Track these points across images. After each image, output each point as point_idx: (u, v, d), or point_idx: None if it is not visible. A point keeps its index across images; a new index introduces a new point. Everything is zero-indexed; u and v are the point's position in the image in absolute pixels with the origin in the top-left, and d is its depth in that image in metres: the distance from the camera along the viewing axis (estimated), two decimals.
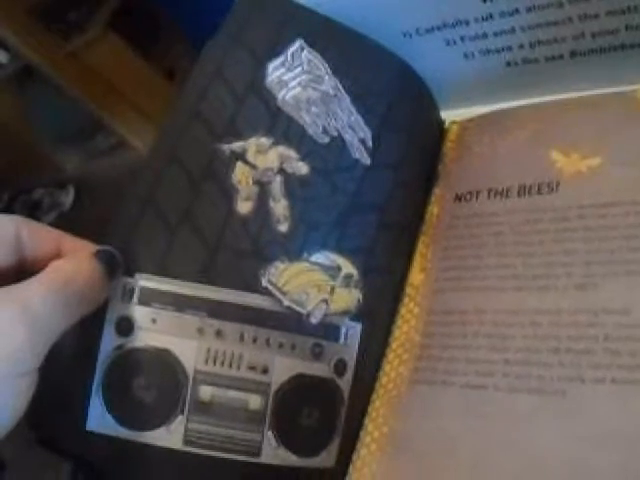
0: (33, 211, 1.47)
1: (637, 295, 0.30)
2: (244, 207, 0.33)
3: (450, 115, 0.42)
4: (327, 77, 0.36)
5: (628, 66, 0.37)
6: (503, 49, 0.39)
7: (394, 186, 0.37)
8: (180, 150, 0.33)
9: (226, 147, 0.33)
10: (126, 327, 0.31)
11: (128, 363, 0.31)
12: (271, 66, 0.35)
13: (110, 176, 1.33)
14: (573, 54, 0.38)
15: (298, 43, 0.36)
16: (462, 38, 0.40)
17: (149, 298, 0.31)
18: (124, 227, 0.32)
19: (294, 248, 0.33)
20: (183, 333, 0.31)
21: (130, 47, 1.28)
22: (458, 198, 0.38)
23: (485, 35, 0.39)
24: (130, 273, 0.31)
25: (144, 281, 0.31)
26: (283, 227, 0.33)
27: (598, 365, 0.29)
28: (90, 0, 1.23)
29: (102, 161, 1.48)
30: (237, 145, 0.34)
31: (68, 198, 1.49)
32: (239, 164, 0.33)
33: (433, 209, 0.39)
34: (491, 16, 0.38)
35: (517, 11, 0.37)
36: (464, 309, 0.34)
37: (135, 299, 0.31)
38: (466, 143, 0.40)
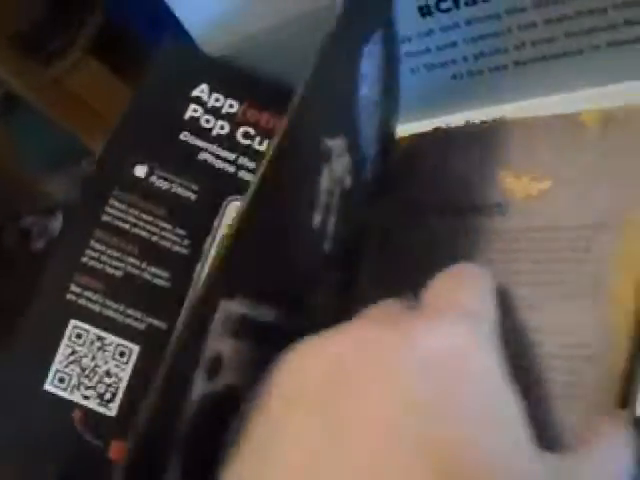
0: (23, 239, 1.47)
1: (581, 318, 0.30)
2: None
3: (399, 131, 0.41)
4: None
5: (569, 72, 0.37)
6: (447, 63, 0.39)
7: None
8: None
9: None
10: None
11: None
12: None
13: None
14: (516, 64, 0.38)
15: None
16: (407, 54, 0.39)
17: None
18: None
19: None
20: None
21: (112, 72, 1.28)
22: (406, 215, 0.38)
23: (428, 50, 0.39)
24: None
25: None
26: None
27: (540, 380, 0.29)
28: (70, 26, 1.24)
29: None
30: None
31: (57, 224, 1.50)
32: None
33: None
34: (432, 31, 0.38)
35: (457, 25, 0.37)
36: None
37: None
38: (415, 159, 0.40)
